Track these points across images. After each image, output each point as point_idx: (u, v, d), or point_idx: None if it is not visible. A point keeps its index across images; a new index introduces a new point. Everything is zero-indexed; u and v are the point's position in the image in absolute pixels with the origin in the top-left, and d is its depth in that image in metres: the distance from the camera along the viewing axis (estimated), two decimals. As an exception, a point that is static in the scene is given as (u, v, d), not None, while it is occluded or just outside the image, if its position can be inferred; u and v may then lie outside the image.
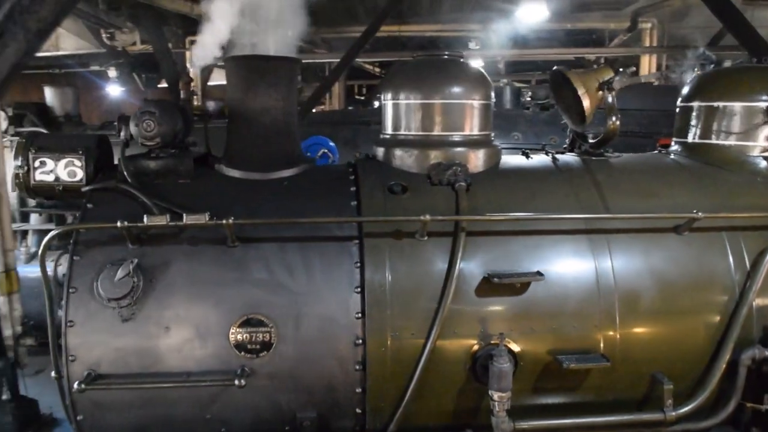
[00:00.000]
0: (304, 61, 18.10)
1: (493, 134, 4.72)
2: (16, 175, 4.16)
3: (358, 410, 3.91)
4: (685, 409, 3.92)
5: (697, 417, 4.00)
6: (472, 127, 4.50)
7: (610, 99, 4.56)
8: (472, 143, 4.48)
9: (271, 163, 4.37)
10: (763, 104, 4.50)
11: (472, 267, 3.97)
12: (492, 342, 3.82)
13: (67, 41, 13.68)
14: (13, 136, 14.72)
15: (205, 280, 3.85)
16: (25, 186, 4.18)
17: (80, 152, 4.12)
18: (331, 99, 19.90)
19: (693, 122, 4.85)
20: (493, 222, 4.08)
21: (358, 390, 3.86)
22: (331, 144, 9.02)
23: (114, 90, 19.30)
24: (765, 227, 4.24)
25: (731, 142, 4.66)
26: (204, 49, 4.49)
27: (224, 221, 3.74)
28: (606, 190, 4.37)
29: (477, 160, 4.46)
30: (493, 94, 4.63)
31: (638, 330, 4.05)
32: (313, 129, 11.14)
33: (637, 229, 4.18)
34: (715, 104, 4.71)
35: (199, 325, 3.79)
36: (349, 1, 14.45)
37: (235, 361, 3.78)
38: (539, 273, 3.91)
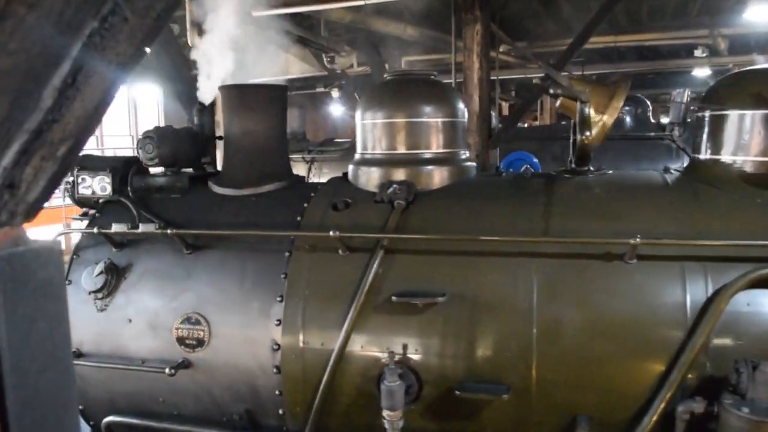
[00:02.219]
0: (514, 77, 18.05)
1: (464, 152, 4.66)
2: (66, 189, 5.09)
3: (280, 411, 4.21)
4: None
5: None
6: (433, 146, 4.48)
7: (585, 111, 4.29)
8: (428, 161, 4.44)
9: (250, 180, 4.85)
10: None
11: (385, 284, 3.97)
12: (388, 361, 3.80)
13: (294, 66, 14.97)
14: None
15: (162, 281, 4.49)
16: (72, 197, 5.09)
17: (108, 171, 4.94)
18: (543, 113, 19.56)
19: (702, 135, 4.19)
20: (415, 240, 4.05)
21: (277, 392, 4.16)
22: (535, 160, 8.92)
23: (336, 109, 20.62)
24: (742, 259, 3.56)
25: (739, 157, 3.95)
26: (204, 91, 5.19)
27: (168, 231, 4.38)
28: (554, 211, 4.01)
29: (432, 178, 4.44)
30: (461, 110, 4.57)
31: (559, 366, 3.63)
32: (519, 145, 11.07)
33: (575, 254, 3.78)
34: (727, 113, 3.97)
35: (152, 319, 4.43)
36: (561, 14, 14.14)
37: (177, 353, 4.34)
38: (442, 294, 3.79)
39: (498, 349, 3.75)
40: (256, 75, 5.30)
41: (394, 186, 4.30)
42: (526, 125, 18.39)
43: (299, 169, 14.59)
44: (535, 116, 20.31)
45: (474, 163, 4.74)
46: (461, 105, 4.61)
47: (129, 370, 4.40)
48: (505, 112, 19.76)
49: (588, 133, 4.33)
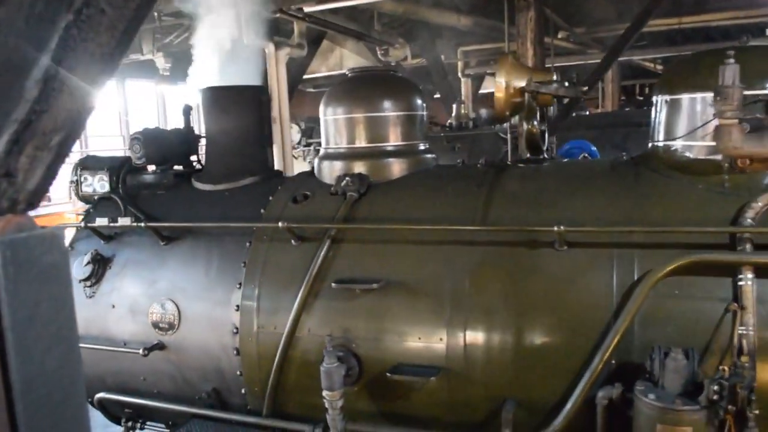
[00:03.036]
0: (573, 63, 17.67)
1: (422, 144, 4.81)
2: (71, 187, 5.59)
3: (242, 390, 4.51)
4: None
5: None
6: (391, 139, 4.64)
7: (528, 99, 4.34)
8: (387, 154, 4.62)
9: (226, 176, 5.18)
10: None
11: (331, 271, 4.19)
12: (335, 344, 3.98)
13: (348, 60, 15.05)
14: (305, 146, 16.54)
15: (140, 270, 4.89)
16: (77, 194, 5.58)
17: (106, 170, 5.38)
18: (604, 100, 19.07)
19: (656, 120, 4.10)
20: (362, 230, 4.27)
21: (238, 373, 4.47)
22: (593, 148, 8.68)
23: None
24: (673, 245, 3.50)
25: (684, 143, 3.86)
26: (192, 87, 5.58)
27: (142, 224, 4.79)
28: (495, 200, 4.11)
29: (391, 170, 4.61)
30: (419, 104, 4.73)
31: (489, 351, 3.76)
32: (578, 133, 10.79)
33: (508, 242, 3.90)
34: (675, 97, 3.88)
35: (131, 304, 4.83)
36: (622, -2, 13.75)
37: (153, 336, 4.72)
38: (377, 281, 3.98)
39: (431, 333, 3.92)
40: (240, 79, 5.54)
41: (347, 178, 4.51)
42: (588, 113, 17.95)
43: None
44: (596, 104, 19.81)
45: (433, 155, 4.91)
46: (419, 99, 4.80)
47: (114, 352, 4.83)
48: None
49: (534, 122, 4.41)
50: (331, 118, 4.75)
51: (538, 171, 4.43)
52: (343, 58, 15.22)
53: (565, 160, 4.56)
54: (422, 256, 4.08)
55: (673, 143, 3.91)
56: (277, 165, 9.76)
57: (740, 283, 3.32)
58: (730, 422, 2.98)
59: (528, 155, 4.64)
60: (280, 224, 4.29)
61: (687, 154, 3.85)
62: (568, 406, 3.47)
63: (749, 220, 3.42)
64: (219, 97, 5.27)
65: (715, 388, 2.94)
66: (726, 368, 3.04)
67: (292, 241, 4.38)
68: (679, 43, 16.09)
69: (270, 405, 4.33)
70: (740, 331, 3.26)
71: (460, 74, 17.48)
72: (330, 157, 4.79)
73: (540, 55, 9.58)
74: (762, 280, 3.31)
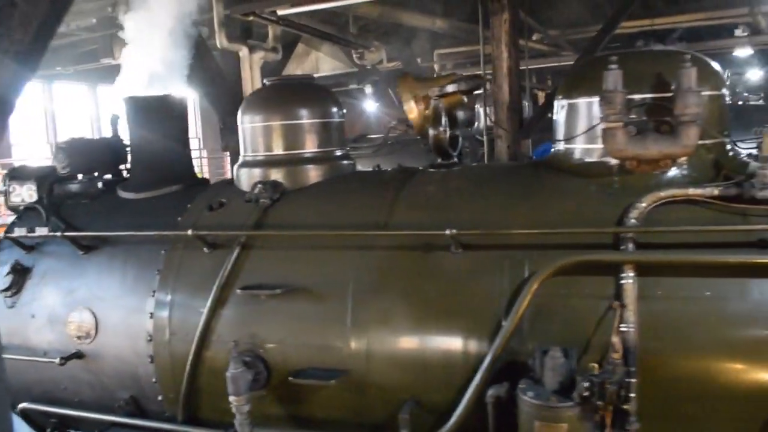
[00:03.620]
0: (547, 65, 17.75)
1: (339, 150, 4.88)
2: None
3: (159, 397, 4.53)
4: None
5: None
6: (307, 146, 4.69)
7: (438, 106, 4.39)
8: (303, 161, 4.68)
9: (148, 184, 5.22)
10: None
11: (240, 278, 4.24)
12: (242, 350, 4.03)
13: (324, 64, 15.02)
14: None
15: (59, 280, 4.91)
16: (6, 205, 5.65)
17: (33, 180, 5.40)
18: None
19: (556, 124, 4.17)
20: (272, 236, 4.34)
21: (154, 380, 4.50)
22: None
23: (370, 105, 20.60)
24: (563, 246, 3.59)
25: (583, 145, 3.93)
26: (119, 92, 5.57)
27: (59, 234, 4.82)
28: (399, 204, 4.18)
29: (308, 177, 4.67)
30: (335, 111, 4.80)
31: (389, 354, 3.85)
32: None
33: (408, 246, 3.95)
34: (572, 101, 3.99)
35: (50, 314, 4.85)
36: (596, 1, 13.85)
37: (71, 345, 4.73)
38: (281, 287, 4.04)
39: (333, 337, 3.96)
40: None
41: (259, 186, 4.56)
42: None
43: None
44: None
45: (351, 161, 4.99)
46: (335, 107, 4.86)
47: (35, 362, 4.85)
48: (543, 101, 19.44)
49: (441, 128, 4.43)
50: (249, 126, 4.80)
51: (445, 176, 4.47)
52: (319, 62, 15.18)
53: (475, 164, 4.75)
54: (326, 261, 4.16)
55: (572, 146, 3.99)
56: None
57: (622, 281, 3.40)
58: (606, 418, 3.06)
59: (439, 160, 4.69)
60: (189, 232, 4.36)
61: (582, 156, 3.94)
62: (461, 406, 3.52)
63: (633, 221, 3.51)
64: (141, 107, 5.32)
65: (586, 384, 3.01)
66: (596, 365, 3.11)
67: (204, 249, 4.45)
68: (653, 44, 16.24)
69: (184, 411, 4.38)
70: (622, 329, 3.32)
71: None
72: (248, 164, 4.83)
73: (514, 57, 9.59)
74: (645, 278, 3.40)
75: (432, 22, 12.83)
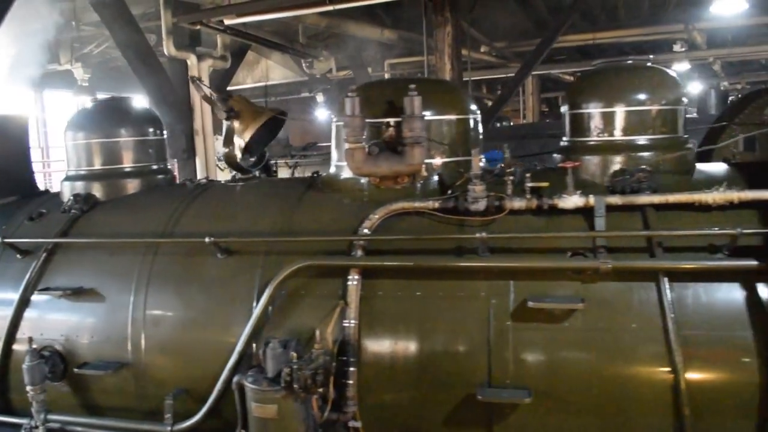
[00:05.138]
0: (490, 77, 18.08)
1: (156, 165, 5.31)
2: None
3: None
4: (183, 425, 4.03)
5: None
6: (121, 162, 5.16)
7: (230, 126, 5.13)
8: (118, 175, 5.15)
9: None
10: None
11: (43, 281, 4.65)
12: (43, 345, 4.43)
13: (275, 71, 15.06)
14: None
15: None
16: None
17: None
18: (525, 112, 19.66)
19: (332, 144, 4.69)
20: (74, 244, 4.75)
21: None
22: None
23: (322, 114, 20.67)
24: (307, 252, 4.07)
25: (343, 163, 4.37)
26: None
27: None
28: (188, 214, 4.67)
29: (125, 189, 5.14)
30: (151, 130, 5.23)
31: (162, 345, 4.29)
32: (495, 144, 11.10)
33: (188, 252, 4.42)
34: (337, 123, 4.45)
35: None
36: (539, 13, 14.22)
37: None
38: (73, 289, 4.46)
39: (117, 333, 4.37)
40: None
41: (72, 198, 5.01)
42: (511, 124, 18.44)
43: (283, 173, 14.65)
44: (517, 115, 20.39)
45: (167, 174, 5.46)
46: (151, 127, 5.28)
47: None
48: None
49: (231, 146, 5.09)
50: (71, 143, 5.20)
51: (231, 189, 5.09)
52: (269, 70, 15.24)
53: (267, 179, 5.47)
54: (115, 264, 4.57)
55: (341, 164, 4.39)
56: (200, 176, 9.71)
57: (348, 283, 3.87)
58: (313, 401, 3.53)
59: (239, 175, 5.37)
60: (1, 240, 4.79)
61: (345, 174, 4.39)
62: (214, 393, 3.97)
63: (365, 230, 3.99)
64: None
65: (287, 371, 3.45)
66: (295, 354, 3.52)
67: (18, 255, 4.82)
68: (595, 57, 16.74)
69: (2, 403, 4.72)
70: (344, 324, 3.81)
71: (387, 86, 17.70)
72: (71, 178, 5.23)
73: (457, 68, 9.84)
74: (368, 280, 3.89)
75: (380, 33, 13.00)
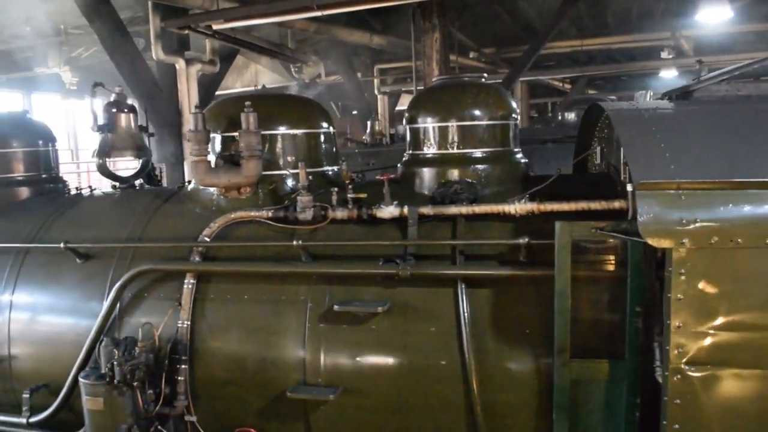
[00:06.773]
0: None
1: (46, 174, 5.66)
2: None
3: None
4: (38, 417, 4.41)
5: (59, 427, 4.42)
6: (15, 171, 5.54)
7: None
8: (12, 184, 5.52)
9: None
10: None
11: None
12: None
13: (263, 76, 15.05)
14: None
15: None
16: None
17: None
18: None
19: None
20: None
21: None
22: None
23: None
24: (153, 257, 4.36)
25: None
26: None
27: None
28: (57, 220, 4.96)
29: (16, 197, 5.50)
30: (41, 142, 5.57)
31: (30, 343, 4.60)
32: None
33: (49, 256, 4.71)
34: (225, 135, 4.60)
35: None
36: (527, 20, 14.30)
37: None
38: None
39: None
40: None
41: None
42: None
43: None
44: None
45: (56, 183, 5.76)
46: (42, 140, 5.61)
47: None
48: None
49: (104, 159, 5.47)
50: None
51: (103, 199, 5.40)
52: (258, 74, 15.24)
53: (131, 190, 5.65)
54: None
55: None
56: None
57: (184, 286, 4.20)
58: (137, 395, 3.90)
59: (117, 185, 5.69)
60: None
61: (198, 185, 4.63)
62: (65, 387, 4.29)
63: (205, 238, 4.29)
64: None
65: (109, 366, 3.84)
66: (117, 352, 3.89)
67: None
68: (584, 63, 16.81)
69: None
70: (179, 324, 4.13)
71: (376, 91, 17.74)
72: None
73: (445, 74, 9.86)
74: (202, 284, 4.22)
75: (369, 38, 13.02)
